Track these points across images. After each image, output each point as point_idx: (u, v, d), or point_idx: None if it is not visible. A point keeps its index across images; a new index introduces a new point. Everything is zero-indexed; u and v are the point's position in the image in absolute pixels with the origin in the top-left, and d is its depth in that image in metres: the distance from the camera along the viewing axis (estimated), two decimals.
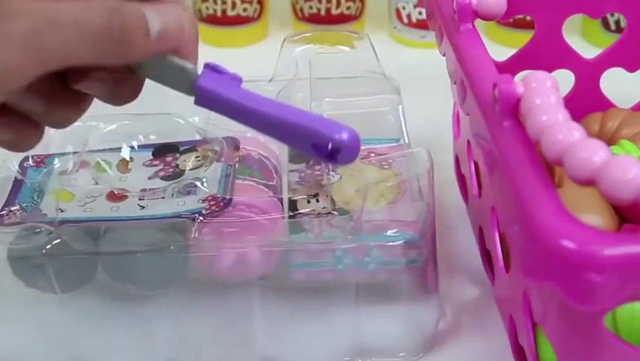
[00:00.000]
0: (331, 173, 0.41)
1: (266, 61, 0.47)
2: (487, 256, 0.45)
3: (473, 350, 0.42)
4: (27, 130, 0.33)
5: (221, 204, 0.38)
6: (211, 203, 0.38)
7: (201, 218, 0.38)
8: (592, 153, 0.28)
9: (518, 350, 0.39)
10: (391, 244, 0.38)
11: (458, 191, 0.52)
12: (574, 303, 0.28)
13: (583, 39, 0.71)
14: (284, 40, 0.48)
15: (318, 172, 0.42)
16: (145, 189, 0.40)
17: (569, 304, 0.28)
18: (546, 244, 0.27)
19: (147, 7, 0.31)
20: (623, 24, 0.67)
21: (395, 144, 0.43)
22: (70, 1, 0.29)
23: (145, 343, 0.41)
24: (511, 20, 0.68)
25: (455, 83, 0.40)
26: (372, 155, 0.42)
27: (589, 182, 0.28)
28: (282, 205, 0.39)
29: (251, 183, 0.40)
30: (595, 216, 0.42)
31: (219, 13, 0.72)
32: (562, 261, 0.27)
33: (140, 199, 0.39)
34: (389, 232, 0.38)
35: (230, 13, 0.72)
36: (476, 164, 0.46)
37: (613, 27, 0.69)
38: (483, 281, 0.45)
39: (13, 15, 0.27)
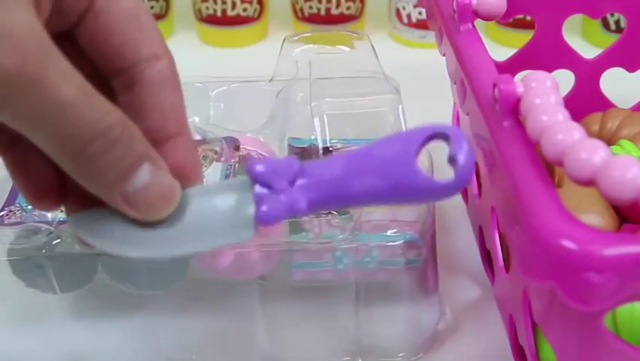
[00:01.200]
0: None
1: (266, 61, 0.47)
2: (487, 256, 0.45)
3: (472, 349, 0.42)
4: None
5: None
6: None
7: None
8: (592, 153, 0.28)
9: (518, 350, 0.39)
10: (390, 244, 0.38)
11: None
12: (574, 303, 0.28)
13: (583, 39, 0.71)
14: (284, 41, 0.48)
15: None
16: None
17: (569, 304, 0.28)
18: (546, 243, 0.27)
19: (150, 149, 0.27)
20: (623, 24, 0.67)
21: None
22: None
23: (145, 343, 0.41)
24: (511, 20, 0.68)
25: (455, 83, 0.40)
26: None
27: (589, 182, 0.28)
28: None
29: None
30: (595, 216, 0.42)
31: (219, 13, 0.72)
32: (562, 261, 0.27)
33: None
34: (389, 232, 0.38)
35: (230, 13, 0.72)
36: (476, 164, 0.46)
37: (613, 27, 0.69)
38: (483, 281, 0.45)
39: None
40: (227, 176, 0.40)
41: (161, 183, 0.27)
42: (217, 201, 0.29)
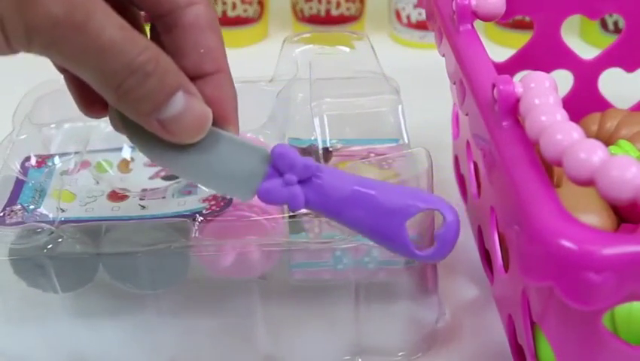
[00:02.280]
0: None
1: (267, 61, 0.47)
2: (486, 255, 0.45)
3: (472, 349, 0.42)
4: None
5: (222, 203, 0.38)
6: (212, 203, 0.39)
7: (201, 218, 0.38)
8: (590, 153, 0.28)
9: (517, 350, 0.40)
10: None
11: (457, 191, 0.52)
12: (572, 302, 0.28)
13: (582, 40, 0.71)
14: (284, 41, 0.48)
15: None
16: (146, 189, 0.40)
17: (568, 303, 0.28)
18: (545, 243, 0.28)
19: (186, 80, 0.30)
20: (621, 25, 0.67)
21: (395, 144, 0.43)
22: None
23: (146, 343, 0.41)
24: (510, 21, 0.68)
25: (454, 83, 0.40)
26: (372, 155, 0.42)
27: (587, 182, 0.29)
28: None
29: None
30: (594, 216, 0.42)
31: (219, 14, 0.72)
32: (560, 261, 0.27)
33: (141, 199, 0.39)
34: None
35: (231, 13, 0.73)
36: (475, 164, 0.47)
37: (611, 28, 0.69)
38: (482, 281, 0.46)
39: None
40: None
41: (194, 110, 0.30)
42: (236, 156, 0.32)
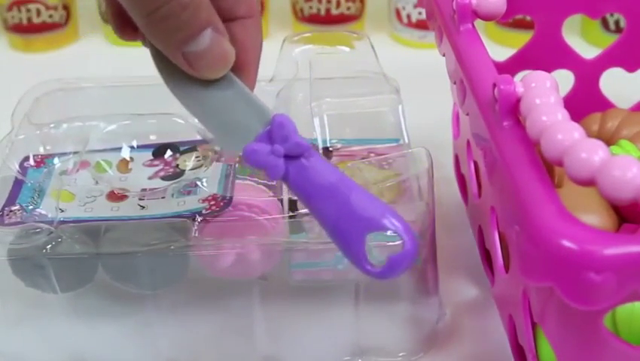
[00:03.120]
0: None
1: (267, 61, 0.47)
2: (487, 255, 0.45)
3: (472, 349, 0.42)
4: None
5: (221, 203, 0.38)
6: (212, 203, 0.39)
7: (201, 218, 0.38)
8: (591, 153, 0.28)
9: (517, 350, 0.39)
10: (390, 243, 0.38)
11: (457, 191, 0.52)
12: (573, 303, 0.28)
13: (583, 39, 0.71)
14: (284, 41, 0.48)
15: None
16: (145, 189, 0.40)
17: (569, 303, 0.28)
18: (545, 243, 0.27)
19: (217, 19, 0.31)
20: (622, 24, 0.67)
21: (395, 144, 0.43)
22: None
23: (145, 343, 0.41)
24: (511, 20, 0.68)
25: (454, 83, 0.40)
26: (372, 155, 0.42)
27: (588, 182, 0.28)
28: (282, 205, 0.40)
29: (251, 182, 0.40)
30: (595, 216, 0.42)
31: None
32: (561, 261, 0.27)
33: (140, 199, 0.39)
34: (389, 232, 0.38)
35: None
36: (475, 164, 0.46)
37: (612, 27, 0.69)
38: (483, 281, 0.45)
39: None
40: (227, 176, 0.40)
41: (219, 47, 0.31)
42: (240, 107, 0.33)
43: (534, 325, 0.36)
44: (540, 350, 0.36)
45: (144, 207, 0.39)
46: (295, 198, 0.39)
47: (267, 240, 0.38)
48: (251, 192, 0.40)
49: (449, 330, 0.43)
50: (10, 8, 0.71)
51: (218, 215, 0.38)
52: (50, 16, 0.72)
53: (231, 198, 0.39)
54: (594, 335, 0.31)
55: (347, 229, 0.32)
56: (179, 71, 0.32)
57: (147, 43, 0.33)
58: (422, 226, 0.38)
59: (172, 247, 0.37)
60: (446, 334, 0.42)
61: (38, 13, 0.72)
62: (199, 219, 0.38)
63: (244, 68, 0.34)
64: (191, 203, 0.39)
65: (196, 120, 0.42)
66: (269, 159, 0.32)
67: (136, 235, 0.38)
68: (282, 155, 0.32)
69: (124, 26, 0.34)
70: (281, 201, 0.40)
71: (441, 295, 0.42)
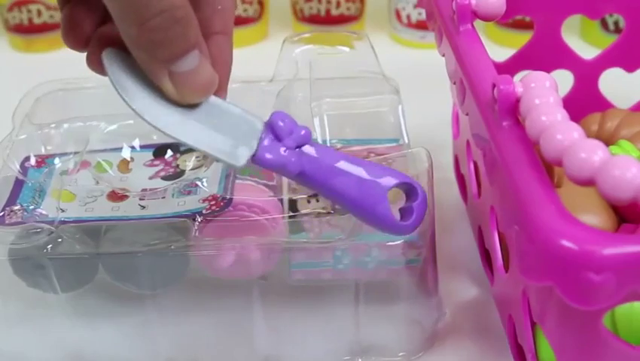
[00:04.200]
0: None
1: (267, 61, 0.47)
2: (486, 255, 0.45)
3: (472, 349, 0.42)
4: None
5: (221, 203, 0.38)
6: (212, 203, 0.39)
7: (201, 218, 0.38)
8: (591, 153, 0.28)
9: (517, 350, 0.40)
10: (390, 243, 0.38)
11: (457, 191, 0.52)
12: (573, 302, 0.28)
13: (582, 40, 0.71)
14: (284, 41, 0.48)
15: None
16: (146, 189, 0.40)
17: (568, 303, 0.28)
18: (545, 243, 0.28)
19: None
20: (621, 25, 0.67)
21: (395, 144, 0.43)
22: None
23: (145, 343, 0.41)
24: (510, 21, 0.68)
25: (454, 83, 0.40)
26: (372, 155, 0.42)
27: (588, 182, 0.28)
28: (282, 205, 0.40)
29: (251, 182, 0.40)
30: (594, 216, 0.42)
31: None
32: (561, 261, 0.27)
33: (141, 199, 0.39)
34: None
35: None
36: (475, 164, 0.47)
37: (612, 27, 0.69)
38: (483, 281, 0.46)
39: None
40: (227, 176, 0.40)
41: (206, 71, 0.31)
42: (231, 119, 0.33)
43: (533, 325, 0.36)
44: (540, 350, 0.36)
45: (144, 207, 0.39)
46: (295, 198, 0.39)
47: (267, 240, 0.38)
48: (251, 192, 0.40)
49: (449, 330, 0.43)
50: (10, 9, 0.72)
51: (218, 215, 0.38)
52: (51, 16, 0.72)
53: (231, 198, 0.39)
54: (593, 334, 0.31)
55: (369, 196, 0.34)
56: (152, 94, 0.31)
57: (94, 58, 0.32)
58: (422, 226, 0.38)
59: (172, 247, 0.37)
60: (446, 334, 0.42)
61: (39, 13, 0.72)
62: (199, 219, 0.38)
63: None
64: (191, 203, 0.39)
65: None
66: (286, 155, 0.33)
67: (136, 235, 0.38)
68: (294, 147, 0.33)
69: (75, 35, 0.32)
70: (281, 201, 0.40)
71: (441, 295, 0.42)
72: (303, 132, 0.33)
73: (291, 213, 0.39)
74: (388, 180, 0.34)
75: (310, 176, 0.34)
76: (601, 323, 0.31)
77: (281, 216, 0.39)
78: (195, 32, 0.30)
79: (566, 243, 0.27)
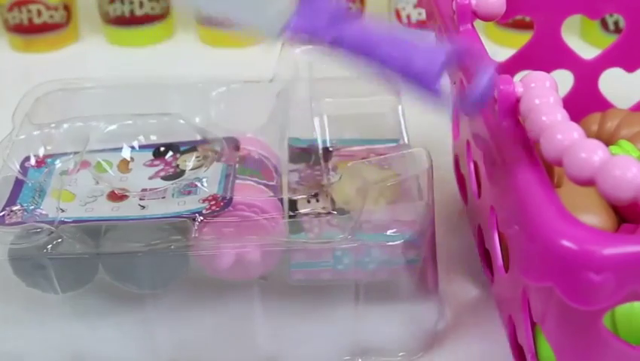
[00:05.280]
0: (331, 173, 0.41)
1: (267, 61, 0.47)
2: (486, 255, 0.45)
3: (472, 349, 0.42)
4: None
5: (221, 203, 0.38)
6: (212, 203, 0.39)
7: (201, 218, 0.38)
8: (591, 153, 0.28)
9: (517, 350, 0.39)
10: (390, 243, 0.38)
11: (457, 191, 0.52)
12: (573, 303, 0.28)
13: (582, 40, 0.71)
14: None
15: (317, 172, 0.42)
16: (146, 189, 0.40)
17: (568, 303, 0.28)
18: (545, 243, 0.28)
19: None
20: (621, 25, 0.67)
21: (395, 145, 0.43)
22: None
23: (145, 343, 0.41)
24: (510, 21, 0.68)
25: (454, 83, 0.40)
26: (372, 155, 0.42)
27: (588, 182, 0.28)
28: (282, 205, 0.40)
29: (251, 183, 0.40)
30: (594, 216, 0.42)
31: None
32: (561, 261, 0.27)
33: (141, 199, 0.39)
34: (389, 232, 0.38)
35: None
36: (475, 164, 0.47)
37: (612, 28, 0.69)
38: (483, 281, 0.45)
39: None
40: (226, 176, 0.40)
41: None
42: None
43: (533, 325, 0.36)
44: (540, 350, 0.36)
45: (144, 207, 0.39)
46: (295, 198, 0.39)
47: (267, 240, 0.38)
48: (251, 192, 0.40)
49: (449, 330, 0.43)
50: (10, 9, 0.72)
51: (218, 215, 0.38)
52: (51, 16, 0.72)
53: (231, 198, 0.39)
54: (593, 334, 0.31)
55: (424, 63, 0.32)
56: None
57: None
58: (422, 226, 0.38)
59: (172, 247, 0.37)
60: (446, 334, 0.42)
61: (39, 13, 0.72)
62: (199, 219, 0.38)
63: None
64: (191, 203, 0.39)
65: (198, 119, 0.42)
66: (319, 23, 0.32)
67: (136, 235, 0.38)
68: (328, 18, 0.32)
69: None
70: (281, 201, 0.40)
71: (441, 295, 0.42)
72: (342, 5, 0.32)
73: (291, 213, 0.39)
74: (443, 51, 0.31)
75: (348, 43, 0.32)
76: (601, 323, 0.31)
77: (281, 216, 0.39)
78: None
79: (566, 243, 0.27)
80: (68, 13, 0.73)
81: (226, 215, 0.38)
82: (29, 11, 0.71)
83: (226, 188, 0.40)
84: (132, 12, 0.73)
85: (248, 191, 0.40)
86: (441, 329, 0.42)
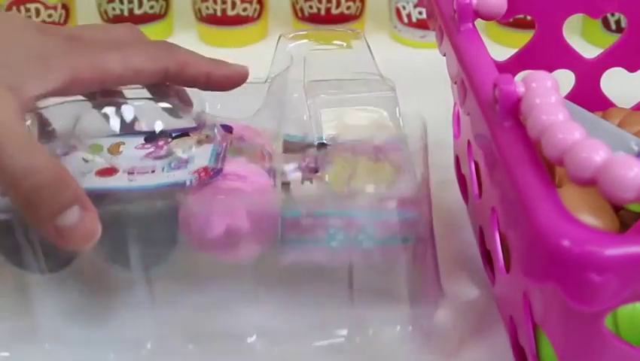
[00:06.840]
0: (326, 164, 0.41)
1: (266, 61, 0.47)
2: (487, 256, 0.45)
3: (472, 349, 0.42)
4: None
5: (211, 173, 0.38)
6: (202, 174, 0.38)
7: (190, 184, 0.37)
8: (592, 153, 0.28)
9: (518, 351, 0.39)
10: (385, 220, 0.38)
11: (458, 191, 0.52)
12: (574, 303, 0.28)
13: (584, 39, 0.71)
14: (279, 38, 0.47)
15: (312, 163, 0.41)
16: (136, 167, 0.40)
17: (570, 304, 0.28)
18: (546, 244, 0.27)
19: None
20: (623, 24, 0.67)
21: (393, 144, 0.43)
22: None
23: (136, 325, 0.40)
24: (511, 20, 0.68)
25: (455, 83, 0.40)
26: (369, 148, 0.42)
27: (589, 182, 0.28)
28: (274, 179, 0.39)
29: (242, 160, 0.40)
30: (595, 217, 0.42)
31: (219, 13, 0.72)
32: (562, 261, 0.27)
33: (130, 173, 0.39)
34: (383, 209, 0.38)
35: (230, 12, 0.72)
36: (476, 164, 0.46)
37: (613, 27, 0.69)
38: (483, 281, 0.45)
39: None
40: (218, 154, 0.40)
41: (85, 224, 0.33)
42: None
43: (535, 326, 0.36)
44: (541, 351, 0.36)
45: (133, 181, 0.38)
46: (288, 180, 0.39)
47: (258, 209, 0.37)
48: (243, 165, 0.39)
49: (449, 330, 0.42)
50: (9, 8, 0.71)
51: (208, 184, 0.37)
52: (49, 15, 0.72)
53: (221, 168, 0.38)
54: (595, 335, 0.31)
55: None
56: None
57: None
58: (418, 202, 0.38)
59: (161, 216, 0.37)
60: (446, 334, 0.42)
61: (37, 12, 0.72)
62: (188, 183, 0.37)
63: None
64: (181, 175, 0.38)
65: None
66: None
67: (124, 204, 0.37)
68: None
69: None
70: (274, 173, 0.39)
71: (441, 295, 0.42)
72: None
73: (283, 181, 0.38)
74: None
75: None
76: (603, 324, 0.30)
77: (272, 184, 0.38)
78: (71, 191, 0.33)
79: (567, 243, 0.27)
80: (66, 12, 0.73)
81: (216, 184, 0.38)
82: (28, 10, 0.71)
83: (217, 161, 0.39)
84: (130, 11, 0.73)
85: (239, 164, 0.39)
86: (441, 330, 0.42)
